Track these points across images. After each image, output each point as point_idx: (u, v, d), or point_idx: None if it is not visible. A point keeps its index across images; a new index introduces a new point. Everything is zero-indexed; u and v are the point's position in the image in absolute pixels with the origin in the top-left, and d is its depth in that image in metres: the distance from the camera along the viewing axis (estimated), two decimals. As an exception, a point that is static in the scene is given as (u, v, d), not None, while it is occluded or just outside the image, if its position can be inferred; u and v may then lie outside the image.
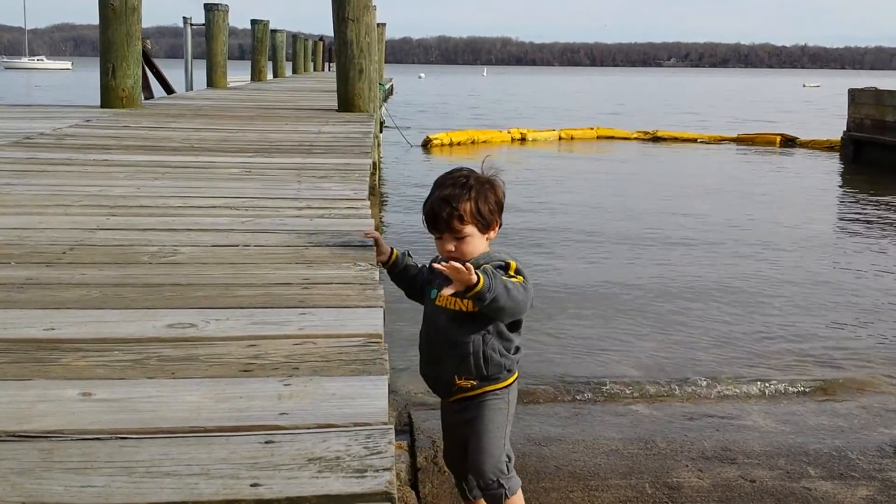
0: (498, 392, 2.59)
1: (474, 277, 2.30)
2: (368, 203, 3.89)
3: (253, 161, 5.36)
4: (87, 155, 5.45)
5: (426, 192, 2.56)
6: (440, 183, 2.53)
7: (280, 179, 4.60)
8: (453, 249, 2.48)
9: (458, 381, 2.55)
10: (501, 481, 2.57)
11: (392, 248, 2.82)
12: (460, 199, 2.45)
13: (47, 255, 2.78)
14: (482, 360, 2.52)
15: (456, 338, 2.50)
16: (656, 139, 22.79)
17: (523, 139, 22.10)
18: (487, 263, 2.43)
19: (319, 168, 5.04)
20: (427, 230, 2.54)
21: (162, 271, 2.60)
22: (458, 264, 2.29)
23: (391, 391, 2.57)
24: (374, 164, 5.92)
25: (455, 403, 2.62)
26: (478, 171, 2.56)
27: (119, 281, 2.47)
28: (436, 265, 2.39)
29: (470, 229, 2.47)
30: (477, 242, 2.50)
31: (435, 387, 2.68)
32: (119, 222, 3.35)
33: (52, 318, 2.09)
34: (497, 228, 2.55)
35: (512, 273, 2.44)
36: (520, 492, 2.62)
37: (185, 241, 3.02)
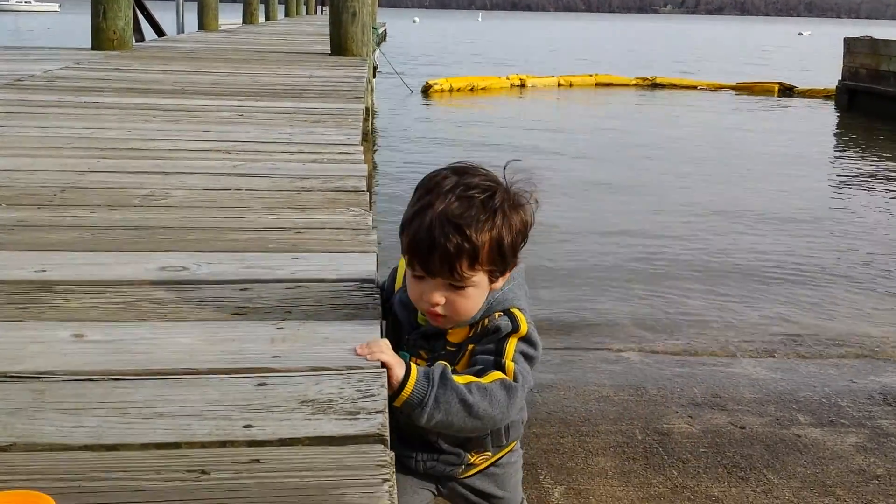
0: (516, 449, 1.90)
1: (397, 373, 1.46)
2: (361, 148, 3.86)
3: (244, 105, 5.30)
4: (77, 97, 5.39)
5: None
6: (445, 187, 1.49)
7: (272, 123, 4.55)
8: (442, 303, 1.53)
9: (470, 460, 1.80)
10: None
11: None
12: (480, 227, 1.46)
13: (38, 197, 2.75)
14: (502, 430, 1.76)
15: None
16: (655, 86, 22.73)
17: (522, 85, 22.08)
18: (486, 318, 1.58)
19: (312, 112, 4.99)
20: (405, 259, 1.56)
21: (153, 214, 2.58)
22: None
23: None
24: (367, 109, 5.87)
25: (458, 482, 1.86)
26: (495, 173, 1.56)
27: (111, 223, 2.45)
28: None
29: (479, 278, 1.51)
30: (479, 298, 1.55)
31: (426, 475, 1.81)
32: (110, 165, 3.32)
33: (44, 260, 2.07)
34: (509, 274, 1.59)
35: (511, 349, 1.56)
36: None
37: (177, 185, 2.99)
